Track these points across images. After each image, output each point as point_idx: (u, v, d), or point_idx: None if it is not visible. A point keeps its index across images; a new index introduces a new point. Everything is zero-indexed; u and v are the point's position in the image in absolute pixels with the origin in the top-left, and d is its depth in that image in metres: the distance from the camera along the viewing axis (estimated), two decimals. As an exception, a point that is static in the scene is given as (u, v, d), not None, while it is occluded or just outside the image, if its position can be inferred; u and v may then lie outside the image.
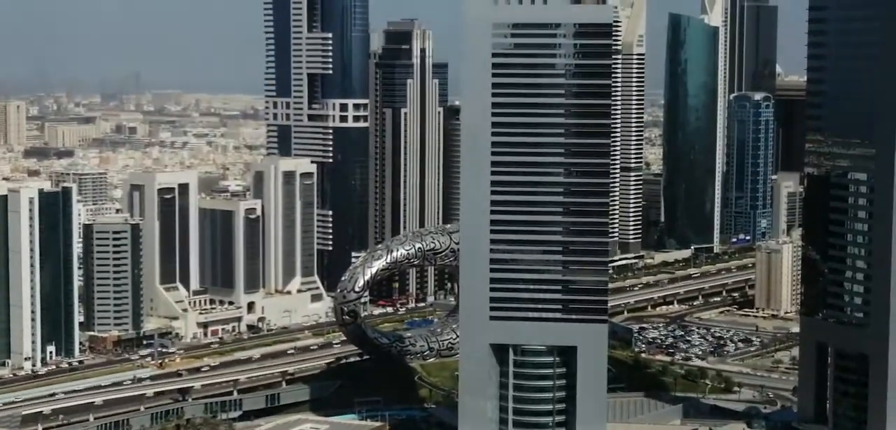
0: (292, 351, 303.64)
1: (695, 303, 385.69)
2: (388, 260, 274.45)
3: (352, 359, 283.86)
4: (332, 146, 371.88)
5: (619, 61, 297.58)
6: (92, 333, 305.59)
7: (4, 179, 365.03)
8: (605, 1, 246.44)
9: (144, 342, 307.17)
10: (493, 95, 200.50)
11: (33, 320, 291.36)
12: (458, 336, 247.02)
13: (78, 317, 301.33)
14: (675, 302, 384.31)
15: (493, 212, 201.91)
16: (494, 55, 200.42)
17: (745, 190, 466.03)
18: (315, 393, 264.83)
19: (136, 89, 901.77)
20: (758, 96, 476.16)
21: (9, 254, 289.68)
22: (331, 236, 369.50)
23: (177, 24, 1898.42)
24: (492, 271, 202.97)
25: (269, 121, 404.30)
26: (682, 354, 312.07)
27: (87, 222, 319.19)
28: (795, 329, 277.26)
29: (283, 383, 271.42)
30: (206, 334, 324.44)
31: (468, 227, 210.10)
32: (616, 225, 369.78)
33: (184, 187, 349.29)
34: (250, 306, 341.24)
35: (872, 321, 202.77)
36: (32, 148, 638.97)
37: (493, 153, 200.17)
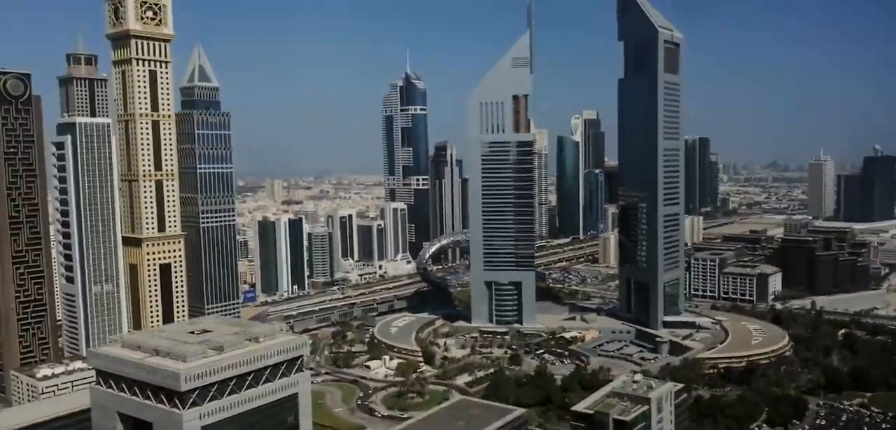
0: (398, 286, 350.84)
1: (571, 261, 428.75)
2: (438, 246, 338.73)
3: (423, 289, 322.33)
4: (413, 197, 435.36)
5: (534, 158, 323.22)
6: (313, 279, 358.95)
7: (274, 213, 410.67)
8: (529, 130, 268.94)
9: (336, 284, 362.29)
10: (482, 174, 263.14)
11: (286, 273, 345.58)
12: (467, 279, 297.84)
13: (306, 272, 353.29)
14: (563, 261, 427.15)
15: (484, 224, 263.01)
16: (483, 156, 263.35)
17: (594, 211, 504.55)
18: (409, 304, 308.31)
19: (327, 173, 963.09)
20: (596, 170, 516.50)
21: (276, 244, 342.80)
22: (413, 235, 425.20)
23: (342, 135, 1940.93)
24: (484, 250, 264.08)
25: (385, 186, 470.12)
26: (568, 284, 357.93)
27: (309, 232, 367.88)
28: (616, 272, 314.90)
29: (395, 299, 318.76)
30: (361, 279, 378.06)
31: (473, 229, 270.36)
32: (537, 227, 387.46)
33: (350, 216, 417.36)
34: (380, 266, 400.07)
35: (649, 268, 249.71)
36: (284, 200, 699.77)
37: (483, 198, 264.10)
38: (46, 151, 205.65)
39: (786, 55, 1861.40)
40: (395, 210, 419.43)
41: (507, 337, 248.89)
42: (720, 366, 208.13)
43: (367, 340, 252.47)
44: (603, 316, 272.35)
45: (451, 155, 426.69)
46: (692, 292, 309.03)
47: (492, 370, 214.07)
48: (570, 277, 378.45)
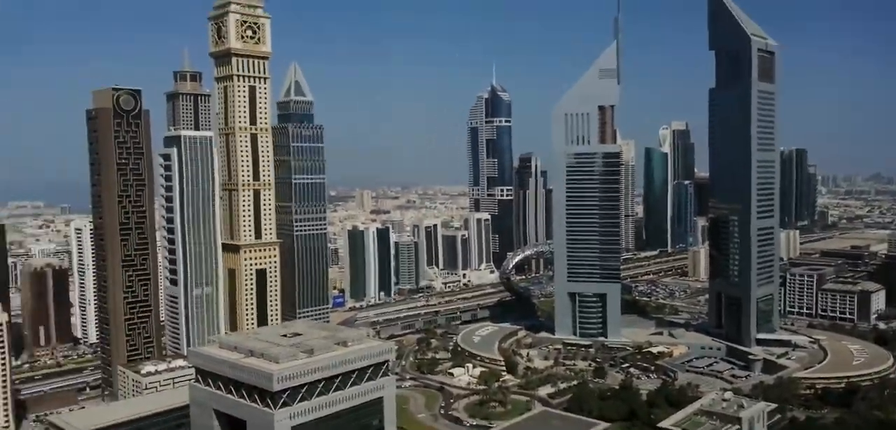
0: (482, 295, 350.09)
1: (659, 274, 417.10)
2: (522, 256, 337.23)
3: (506, 299, 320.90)
4: (497, 207, 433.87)
5: (621, 169, 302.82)
6: (399, 286, 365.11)
7: (362, 222, 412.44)
8: (615, 141, 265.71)
9: (420, 291, 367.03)
10: (567, 185, 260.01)
11: (374, 280, 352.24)
12: (551, 290, 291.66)
13: (392, 279, 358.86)
14: (650, 274, 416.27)
15: (568, 235, 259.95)
16: (567, 167, 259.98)
17: (683, 223, 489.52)
18: (492, 313, 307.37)
19: (413, 184, 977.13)
20: (686, 182, 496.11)
21: (364, 252, 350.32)
22: (497, 245, 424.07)
23: (429, 147, 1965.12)
24: (568, 261, 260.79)
25: (469, 196, 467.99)
26: (655, 298, 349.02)
27: (395, 241, 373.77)
28: (706, 286, 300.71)
29: (478, 308, 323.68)
30: (445, 287, 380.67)
31: (557, 240, 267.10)
32: (623, 239, 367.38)
33: (435, 226, 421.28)
34: (464, 275, 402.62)
35: (741, 282, 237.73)
36: (373, 209, 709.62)
37: (567, 209, 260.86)
38: (154, 161, 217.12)
39: (891, 64, 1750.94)
40: (479, 220, 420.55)
41: (591, 350, 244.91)
42: (817, 387, 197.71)
43: (450, 347, 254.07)
44: (692, 331, 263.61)
45: (536, 166, 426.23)
46: (787, 309, 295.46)
47: (575, 383, 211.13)
48: (658, 290, 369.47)
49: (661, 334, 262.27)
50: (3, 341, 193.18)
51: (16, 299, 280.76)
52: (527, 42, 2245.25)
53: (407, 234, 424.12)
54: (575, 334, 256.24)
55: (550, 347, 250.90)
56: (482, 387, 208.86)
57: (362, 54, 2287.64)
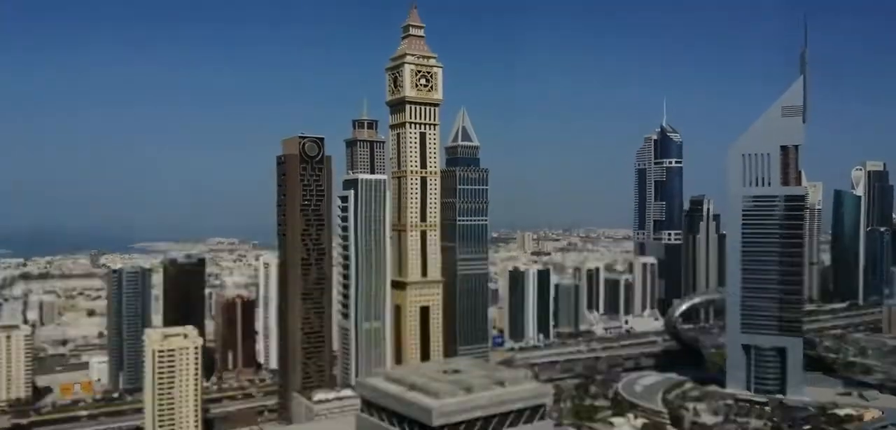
0: (645, 343, 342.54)
1: (848, 329, 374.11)
2: (690, 304, 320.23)
3: (672, 348, 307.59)
4: (664, 252, 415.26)
5: (805, 213, 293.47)
6: (558, 329, 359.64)
7: (523, 264, 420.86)
8: (800, 183, 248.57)
9: (580, 335, 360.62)
10: (743, 229, 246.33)
11: (533, 321, 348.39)
12: (722, 341, 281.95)
13: (551, 321, 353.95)
14: (838, 328, 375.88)
15: (743, 282, 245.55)
16: (744, 210, 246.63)
17: (877, 274, 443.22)
18: (656, 362, 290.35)
19: (575, 226, 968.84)
20: (882, 228, 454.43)
21: (524, 293, 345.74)
22: (663, 291, 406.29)
23: (593, 189, 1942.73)
24: (742, 311, 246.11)
25: (634, 240, 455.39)
26: (844, 355, 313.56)
27: (556, 283, 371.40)
28: None
29: (641, 356, 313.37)
30: (606, 332, 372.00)
31: (731, 288, 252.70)
32: (806, 289, 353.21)
33: (597, 269, 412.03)
34: (626, 321, 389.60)
35: None
36: (534, 251, 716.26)
37: (743, 255, 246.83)
38: (333, 203, 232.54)
39: None
40: (644, 264, 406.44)
41: (767, 408, 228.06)
42: None
43: (610, 395, 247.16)
44: (886, 394, 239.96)
45: (708, 209, 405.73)
46: None
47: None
48: (847, 347, 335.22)
49: (849, 394, 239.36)
50: (197, 364, 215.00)
51: (210, 326, 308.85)
52: (700, 80, 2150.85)
53: (568, 276, 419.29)
54: (749, 389, 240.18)
55: (720, 401, 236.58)
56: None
57: (528, 96, 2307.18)
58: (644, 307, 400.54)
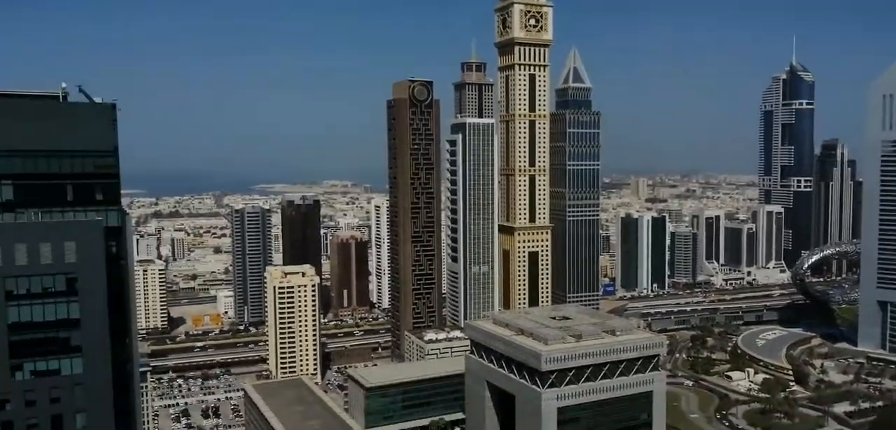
0: (768, 296, 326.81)
1: None
2: (820, 256, 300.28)
3: (799, 302, 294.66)
4: (792, 200, 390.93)
5: None
6: (673, 279, 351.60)
7: (637, 211, 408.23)
8: None
9: (697, 286, 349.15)
10: (882, 177, 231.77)
11: (646, 271, 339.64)
12: (855, 296, 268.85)
13: (667, 271, 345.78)
14: None
15: (881, 234, 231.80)
16: (883, 156, 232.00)
17: None
18: (780, 316, 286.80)
19: (695, 172, 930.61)
20: None
21: (638, 241, 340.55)
22: (789, 242, 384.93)
23: (714, 133, 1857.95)
24: (878, 264, 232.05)
25: (759, 186, 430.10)
26: None
27: (672, 231, 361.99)
28: None
29: (764, 309, 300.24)
30: (726, 284, 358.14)
31: (866, 240, 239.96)
32: None
33: (717, 217, 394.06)
34: (748, 272, 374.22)
35: None
36: (648, 197, 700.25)
37: (881, 205, 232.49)
38: (441, 147, 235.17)
39: None
40: (769, 213, 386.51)
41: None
42: None
43: (729, 348, 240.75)
44: None
45: (842, 154, 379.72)
46: None
47: (881, 404, 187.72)
48: None
49: None
50: (314, 300, 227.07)
51: (325, 265, 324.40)
52: (834, 14, 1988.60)
53: (685, 224, 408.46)
54: (884, 348, 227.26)
55: (851, 360, 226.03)
56: (765, 395, 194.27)
57: (643, 35, 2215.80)
58: (768, 259, 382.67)
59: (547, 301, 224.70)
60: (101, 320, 55.97)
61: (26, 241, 53.73)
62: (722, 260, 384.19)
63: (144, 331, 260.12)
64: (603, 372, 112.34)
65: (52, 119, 57.69)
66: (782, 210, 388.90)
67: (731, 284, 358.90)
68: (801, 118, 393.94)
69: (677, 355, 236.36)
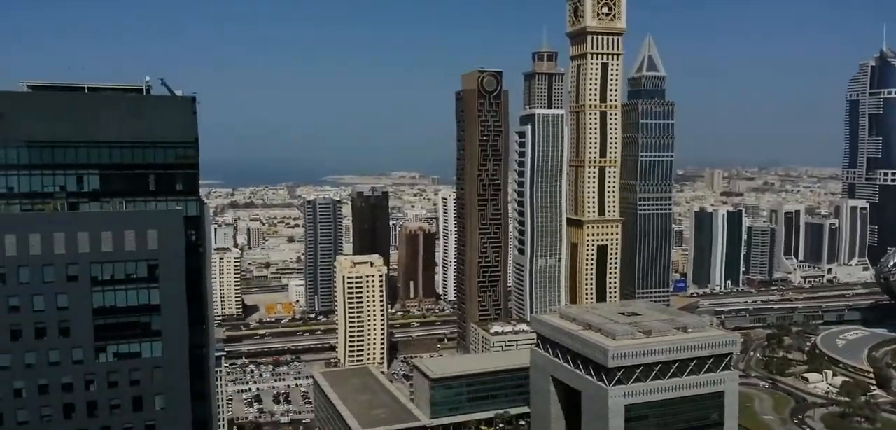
0: (850, 295, 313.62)
1: None
2: None
3: (884, 302, 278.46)
4: (878, 194, 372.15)
5: None
6: (748, 276, 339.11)
7: (711, 204, 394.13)
8: None
9: (774, 284, 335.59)
10: None
11: (720, 267, 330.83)
12: None
13: (741, 267, 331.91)
14: None
15: None
16: None
17: None
18: (863, 316, 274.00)
19: (773, 164, 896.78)
20: None
21: (712, 236, 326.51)
22: (875, 238, 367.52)
23: (795, 123, 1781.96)
24: None
25: (842, 179, 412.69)
26: None
27: (748, 226, 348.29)
28: None
29: (845, 309, 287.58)
30: (805, 282, 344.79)
31: None
32: None
33: (796, 212, 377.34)
34: (829, 270, 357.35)
35: None
36: (724, 190, 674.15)
37: None
38: (510, 138, 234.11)
39: None
40: (853, 208, 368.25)
41: None
42: None
43: (806, 349, 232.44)
44: None
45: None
46: None
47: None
48: None
49: None
50: (382, 290, 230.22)
51: (393, 256, 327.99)
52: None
53: (762, 219, 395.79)
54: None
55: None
56: (844, 399, 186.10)
57: (720, 20, 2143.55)
58: (851, 256, 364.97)
59: (615, 297, 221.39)
60: (180, 305, 58.44)
61: (111, 229, 56.49)
62: (801, 257, 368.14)
63: (220, 317, 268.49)
64: (672, 370, 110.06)
65: (136, 112, 60.20)
66: (867, 205, 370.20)
67: (809, 281, 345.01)
68: (890, 108, 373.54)
69: (751, 354, 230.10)
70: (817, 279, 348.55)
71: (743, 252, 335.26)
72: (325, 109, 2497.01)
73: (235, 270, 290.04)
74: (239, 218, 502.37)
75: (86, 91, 60.18)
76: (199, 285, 61.30)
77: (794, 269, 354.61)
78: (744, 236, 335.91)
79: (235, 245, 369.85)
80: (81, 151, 57.98)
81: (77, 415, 56.65)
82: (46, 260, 54.70)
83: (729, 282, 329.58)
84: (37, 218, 56.11)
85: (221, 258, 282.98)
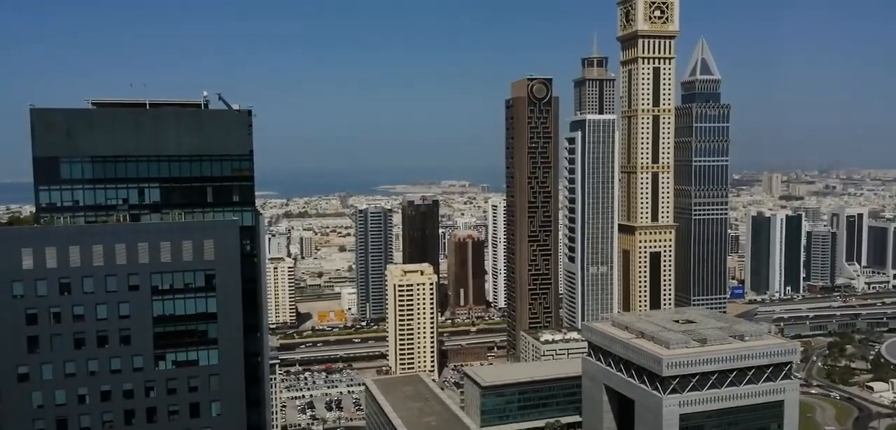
0: None
1: None
2: None
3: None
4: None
5: None
6: (809, 282, 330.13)
7: (769, 209, 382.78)
8: None
9: (836, 290, 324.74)
10: None
11: (778, 273, 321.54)
12: None
13: (801, 273, 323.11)
14: None
15: None
16: None
17: None
18: None
19: (835, 167, 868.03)
20: None
21: (769, 242, 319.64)
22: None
23: (858, 125, 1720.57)
24: None
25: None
26: None
27: (808, 231, 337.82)
28: None
29: None
30: (869, 288, 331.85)
31: None
32: None
33: (859, 215, 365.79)
34: (895, 275, 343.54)
35: None
36: (782, 195, 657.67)
37: None
38: (560, 145, 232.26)
39: None
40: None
41: None
42: None
43: (870, 357, 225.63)
44: None
45: None
46: None
47: None
48: None
49: None
50: (432, 298, 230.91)
51: (443, 264, 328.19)
52: None
53: (823, 223, 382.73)
54: None
55: None
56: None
57: (777, 21, 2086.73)
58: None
59: (670, 304, 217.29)
60: (236, 314, 59.65)
61: (170, 239, 58.05)
62: (864, 262, 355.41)
63: (274, 325, 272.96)
64: (729, 379, 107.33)
65: (195, 126, 61.81)
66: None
67: (874, 287, 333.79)
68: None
69: (813, 362, 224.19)
70: (882, 285, 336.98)
71: (802, 258, 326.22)
72: (379, 121, 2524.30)
73: (289, 278, 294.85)
74: (292, 228, 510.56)
75: (147, 107, 62.13)
76: (254, 294, 62.36)
77: (857, 274, 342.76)
78: (803, 241, 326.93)
79: (289, 255, 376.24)
80: (143, 164, 59.69)
81: (137, 421, 58.22)
82: (109, 270, 56.43)
83: (788, 288, 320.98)
84: (99, 229, 57.94)
85: (275, 267, 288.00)
